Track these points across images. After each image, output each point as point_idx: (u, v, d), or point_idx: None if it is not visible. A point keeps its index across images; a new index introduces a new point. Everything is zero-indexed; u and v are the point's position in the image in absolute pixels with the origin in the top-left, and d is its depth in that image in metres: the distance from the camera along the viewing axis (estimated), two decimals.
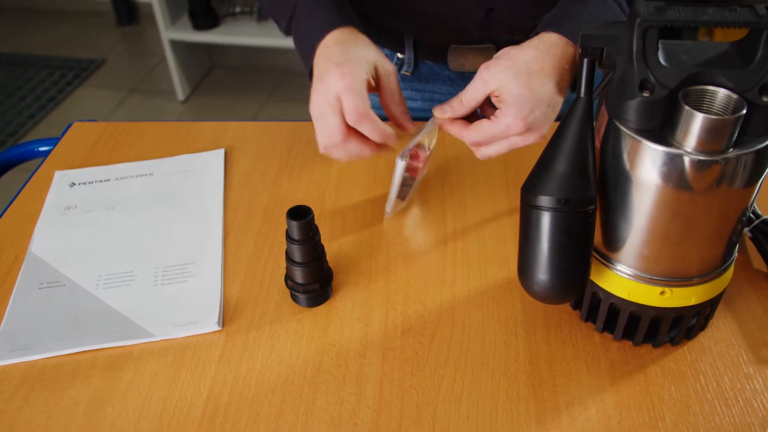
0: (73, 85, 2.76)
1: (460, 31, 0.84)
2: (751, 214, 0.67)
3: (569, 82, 0.64)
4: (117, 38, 3.11)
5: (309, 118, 0.68)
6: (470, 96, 0.64)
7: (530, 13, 0.83)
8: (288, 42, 2.47)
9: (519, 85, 0.60)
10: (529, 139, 0.63)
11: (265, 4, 0.79)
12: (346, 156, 0.66)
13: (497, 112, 0.62)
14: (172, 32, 2.49)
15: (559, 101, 0.63)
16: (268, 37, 2.44)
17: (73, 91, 2.72)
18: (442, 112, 0.66)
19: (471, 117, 0.66)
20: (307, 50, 0.70)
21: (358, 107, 0.62)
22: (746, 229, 0.67)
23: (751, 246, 0.68)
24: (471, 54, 0.86)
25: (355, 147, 0.65)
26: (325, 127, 0.64)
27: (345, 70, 0.62)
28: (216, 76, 2.81)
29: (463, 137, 0.65)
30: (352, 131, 0.64)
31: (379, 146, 0.66)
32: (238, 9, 2.56)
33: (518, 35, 0.85)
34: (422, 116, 0.94)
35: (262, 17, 2.51)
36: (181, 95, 2.63)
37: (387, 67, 0.67)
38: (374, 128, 0.64)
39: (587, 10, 0.66)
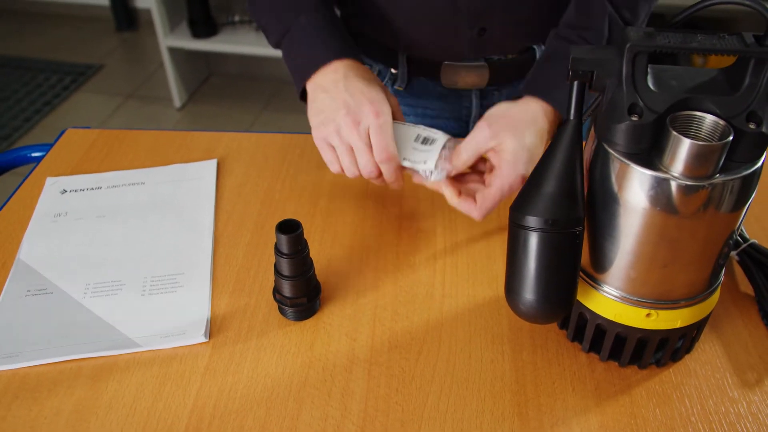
0: (70, 90, 2.76)
1: (452, 49, 0.85)
2: (739, 238, 0.67)
3: (550, 137, 0.69)
4: (115, 44, 3.11)
5: (303, 131, 0.68)
6: (473, 146, 0.67)
7: (522, 33, 0.85)
8: None
9: (515, 142, 0.65)
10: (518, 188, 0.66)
11: (257, 11, 0.79)
12: (353, 176, 0.70)
13: (495, 174, 0.66)
14: (171, 39, 2.49)
15: (533, 162, 0.66)
16: (266, 46, 2.45)
17: (69, 96, 2.72)
18: (445, 175, 0.68)
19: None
20: (305, 69, 0.72)
21: (389, 148, 0.67)
22: (734, 253, 0.67)
23: (738, 269, 0.69)
24: (464, 71, 0.87)
25: (374, 180, 0.70)
26: (360, 161, 0.68)
27: (379, 108, 0.67)
28: (213, 84, 2.82)
29: (471, 213, 0.68)
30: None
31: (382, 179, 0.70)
32: (237, 18, 2.57)
33: (510, 54, 0.86)
34: None
35: None
36: (178, 102, 2.63)
37: (393, 100, 0.71)
38: (393, 171, 0.68)
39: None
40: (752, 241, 0.66)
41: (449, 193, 0.69)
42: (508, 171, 0.65)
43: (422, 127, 0.71)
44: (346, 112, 0.67)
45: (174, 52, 2.53)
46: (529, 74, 0.75)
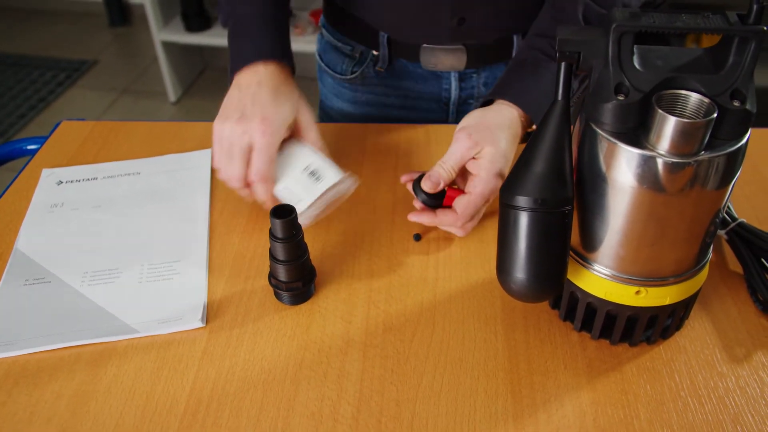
0: (65, 86, 2.76)
1: (431, 35, 0.86)
2: (728, 217, 0.68)
3: (521, 133, 0.73)
4: (109, 39, 3.11)
5: None
6: (457, 158, 0.68)
7: (501, 24, 0.87)
8: None
9: (493, 148, 0.67)
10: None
11: None
12: (227, 182, 0.71)
13: (475, 180, 0.67)
14: (165, 34, 2.49)
15: (509, 164, 0.69)
16: None
17: (64, 92, 2.72)
18: (434, 186, 0.68)
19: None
20: (234, 63, 0.74)
21: (262, 171, 0.68)
22: (722, 232, 0.68)
23: (727, 248, 0.70)
24: (442, 54, 0.88)
25: (243, 192, 0.71)
26: (229, 169, 0.69)
27: (267, 127, 0.67)
28: (208, 78, 2.82)
29: (455, 223, 0.69)
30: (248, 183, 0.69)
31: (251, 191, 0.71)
32: None
33: (487, 40, 0.88)
34: (397, 113, 0.96)
35: None
36: (172, 97, 2.64)
37: (307, 118, 0.73)
38: (264, 192, 0.69)
39: (541, 83, 0.73)
40: (741, 220, 0.67)
41: (426, 219, 0.70)
42: (488, 176, 0.67)
43: (320, 157, 0.71)
44: (238, 119, 0.68)
45: (168, 46, 2.53)
46: (499, 79, 0.77)
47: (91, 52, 3.00)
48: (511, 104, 0.72)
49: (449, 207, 0.70)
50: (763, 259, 0.65)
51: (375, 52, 0.92)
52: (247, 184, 0.70)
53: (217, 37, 2.51)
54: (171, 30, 2.52)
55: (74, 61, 2.92)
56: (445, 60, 0.89)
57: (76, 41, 3.08)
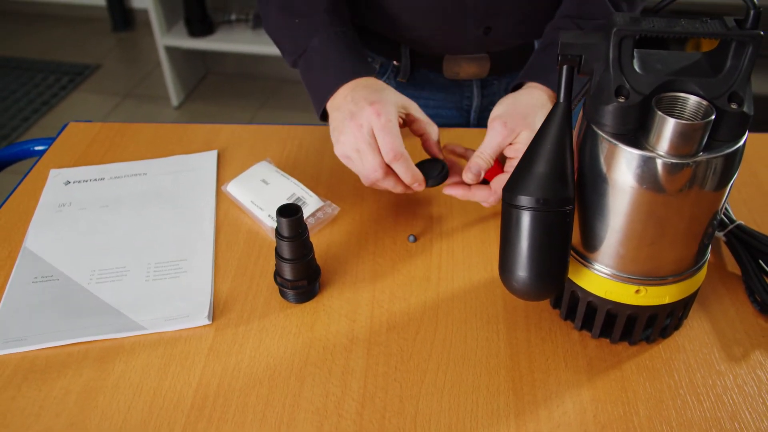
0: (68, 90, 2.77)
1: (457, 46, 0.87)
2: (726, 219, 0.69)
3: None
4: (112, 44, 3.12)
5: (301, 123, 0.70)
6: (494, 148, 0.69)
7: (526, 30, 0.87)
8: None
9: (529, 131, 0.68)
10: None
11: (271, 29, 0.81)
12: (383, 188, 0.70)
13: (514, 162, 0.68)
14: (168, 38, 2.51)
15: None
16: (262, 44, 2.47)
17: (67, 96, 2.74)
18: (475, 177, 0.69)
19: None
20: (321, 94, 0.73)
21: (395, 146, 0.66)
22: (721, 234, 0.69)
23: (726, 250, 0.71)
24: (465, 63, 0.89)
25: (389, 183, 0.69)
26: (364, 164, 0.67)
27: (379, 108, 0.66)
28: (210, 83, 2.83)
29: (488, 199, 0.70)
30: (389, 167, 0.68)
31: (407, 187, 0.70)
32: (233, 16, 2.58)
33: (511, 46, 0.88)
34: None
35: (257, 25, 2.54)
36: (175, 101, 2.65)
37: (413, 105, 0.72)
38: (407, 169, 0.67)
39: None
40: (739, 222, 0.68)
41: (460, 192, 0.71)
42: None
43: (302, 187, 0.76)
44: (350, 119, 0.67)
45: (171, 51, 2.54)
46: (528, 62, 0.77)
47: (95, 56, 3.01)
48: (541, 86, 0.72)
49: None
50: (761, 261, 0.66)
51: (396, 63, 0.93)
52: (389, 172, 0.68)
53: (219, 43, 2.52)
54: (174, 35, 2.53)
55: (77, 65, 2.94)
56: (468, 68, 0.89)
57: (79, 45, 3.09)
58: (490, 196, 0.70)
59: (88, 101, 2.71)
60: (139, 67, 2.94)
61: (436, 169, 0.72)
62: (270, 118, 2.60)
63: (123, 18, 3.18)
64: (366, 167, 0.67)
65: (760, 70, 2.16)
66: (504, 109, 0.71)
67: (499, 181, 0.69)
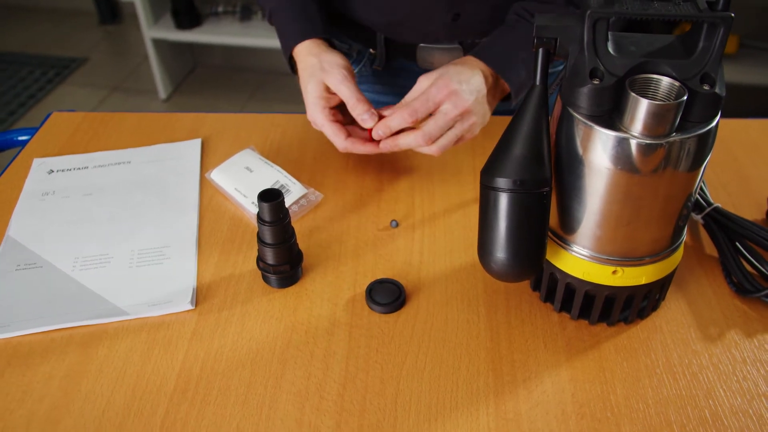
0: (54, 83, 2.75)
1: (427, 32, 0.88)
2: (703, 202, 0.70)
3: (493, 98, 0.77)
4: (99, 37, 3.11)
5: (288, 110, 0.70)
6: (412, 96, 0.74)
7: (496, 18, 0.88)
8: (270, 42, 2.49)
9: (447, 70, 0.73)
10: (469, 121, 0.73)
11: None
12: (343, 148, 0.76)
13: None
14: (155, 31, 2.50)
15: (485, 99, 0.74)
16: (250, 36, 2.46)
17: (53, 89, 2.72)
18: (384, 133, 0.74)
19: None
20: (285, 48, 0.82)
21: (312, 117, 0.76)
22: (699, 216, 0.70)
23: (703, 232, 0.72)
24: (438, 53, 0.89)
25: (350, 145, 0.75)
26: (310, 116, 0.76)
27: (327, 68, 0.75)
28: (198, 76, 2.82)
29: (419, 141, 0.73)
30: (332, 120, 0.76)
31: (374, 143, 0.75)
32: (220, 8, 2.57)
33: (484, 37, 0.89)
34: None
35: (244, 17, 2.53)
36: (163, 94, 2.64)
37: (333, 82, 0.76)
38: (369, 114, 0.73)
39: (508, 38, 0.79)
40: (716, 204, 0.69)
41: (390, 144, 0.75)
42: (441, 84, 0.72)
43: (286, 175, 0.78)
44: (304, 86, 0.75)
45: (158, 43, 2.53)
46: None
47: (81, 49, 2.99)
48: (475, 58, 0.76)
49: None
50: (737, 243, 0.67)
51: (372, 51, 0.93)
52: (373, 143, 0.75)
53: (207, 35, 2.51)
54: (161, 27, 2.52)
55: (64, 58, 2.92)
56: (441, 59, 0.90)
57: (66, 38, 3.07)
58: (419, 138, 0.72)
59: (75, 94, 2.70)
60: (127, 60, 2.92)
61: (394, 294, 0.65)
62: (259, 109, 2.58)
63: (110, 11, 3.17)
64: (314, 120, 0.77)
65: (747, 60, 2.18)
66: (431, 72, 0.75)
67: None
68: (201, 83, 2.77)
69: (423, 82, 0.74)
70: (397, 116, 0.72)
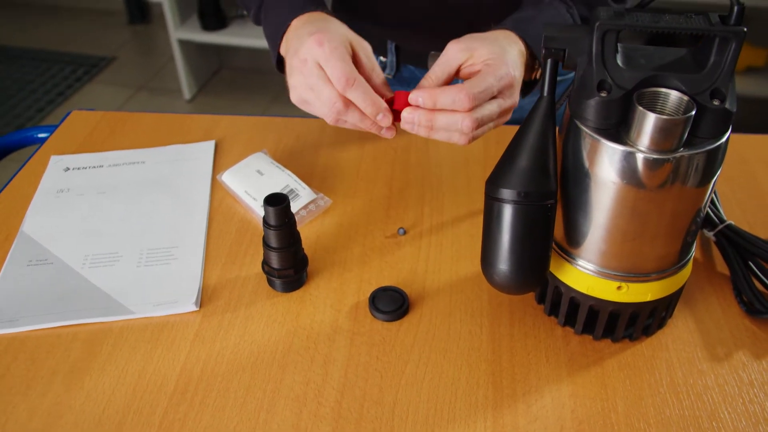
0: (83, 81, 2.80)
1: (440, 42, 0.87)
2: (716, 219, 0.69)
3: (524, 65, 0.67)
4: (128, 36, 3.16)
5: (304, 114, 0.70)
6: (441, 71, 0.63)
7: None
8: None
9: (506, 58, 0.63)
10: (508, 101, 0.64)
11: None
12: (352, 126, 0.64)
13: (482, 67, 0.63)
14: (181, 32, 2.53)
15: (520, 73, 0.65)
16: None
17: (81, 87, 2.77)
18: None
19: None
20: (274, 36, 0.69)
21: (345, 71, 0.59)
22: (711, 233, 0.69)
23: (715, 249, 0.70)
24: None
25: (354, 117, 0.62)
26: (321, 100, 0.61)
27: (320, 38, 0.60)
28: (223, 77, 2.85)
29: (461, 104, 0.60)
30: (349, 100, 0.61)
31: (375, 124, 0.63)
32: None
33: None
34: None
35: None
36: (187, 94, 2.67)
37: (363, 44, 0.65)
38: (365, 95, 0.60)
39: (543, 14, 0.71)
40: (729, 222, 0.68)
41: (423, 112, 0.61)
42: (495, 62, 0.61)
43: (296, 179, 0.77)
44: (294, 56, 0.62)
45: (184, 44, 2.56)
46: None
47: (110, 48, 3.04)
48: (508, 31, 0.67)
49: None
50: (749, 262, 0.65)
51: (383, 59, 0.93)
52: (348, 103, 0.61)
53: (232, 37, 2.54)
54: (187, 29, 2.55)
55: (93, 57, 2.97)
56: None
57: (95, 37, 3.13)
58: (460, 94, 0.60)
59: (102, 93, 2.75)
60: (153, 60, 2.97)
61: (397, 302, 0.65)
62: (280, 112, 2.59)
63: (139, 11, 3.22)
64: (323, 102, 0.61)
65: (761, 73, 2.15)
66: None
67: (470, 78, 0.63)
68: (225, 85, 2.80)
69: (477, 56, 0.63)
70: (451, 94, 0.60)
